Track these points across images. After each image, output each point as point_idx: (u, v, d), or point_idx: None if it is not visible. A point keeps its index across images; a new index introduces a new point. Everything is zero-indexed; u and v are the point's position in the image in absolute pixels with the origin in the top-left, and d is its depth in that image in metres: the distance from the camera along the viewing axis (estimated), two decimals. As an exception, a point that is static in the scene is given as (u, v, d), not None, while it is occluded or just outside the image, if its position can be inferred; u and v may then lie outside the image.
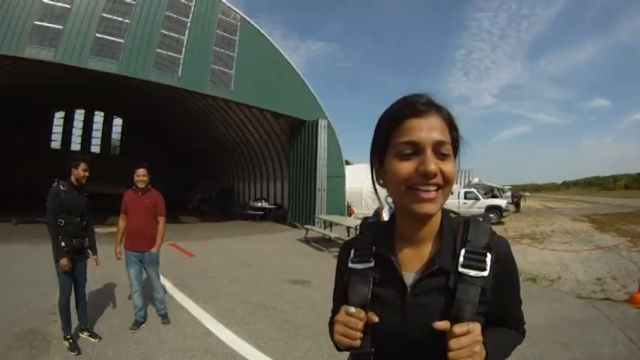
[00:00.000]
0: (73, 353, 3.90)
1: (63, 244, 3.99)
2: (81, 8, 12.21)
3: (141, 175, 4.72)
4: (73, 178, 4.18)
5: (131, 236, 4.73)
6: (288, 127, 17.35)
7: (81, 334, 4.27)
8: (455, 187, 20.83)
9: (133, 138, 30.73)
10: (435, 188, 0.85)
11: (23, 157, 25.41)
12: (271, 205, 19.53)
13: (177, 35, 13.64)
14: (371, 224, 1.07)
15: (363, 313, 0.88)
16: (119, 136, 32.03)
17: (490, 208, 18.48)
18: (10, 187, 23.41)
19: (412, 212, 0.87)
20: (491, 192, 24.54)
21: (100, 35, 12.52)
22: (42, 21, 11.81)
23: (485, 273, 0.86)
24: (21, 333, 4.35)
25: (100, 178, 16.05)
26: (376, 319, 0.87)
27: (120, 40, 12.73)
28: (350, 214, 19.25)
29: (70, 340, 4.02)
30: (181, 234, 13.42)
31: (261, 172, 21.60)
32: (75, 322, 4.23)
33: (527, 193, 39.66)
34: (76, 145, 29.77)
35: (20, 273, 7.07)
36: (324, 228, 13.76)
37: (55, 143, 29.17)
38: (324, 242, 11.99)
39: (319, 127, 15.85)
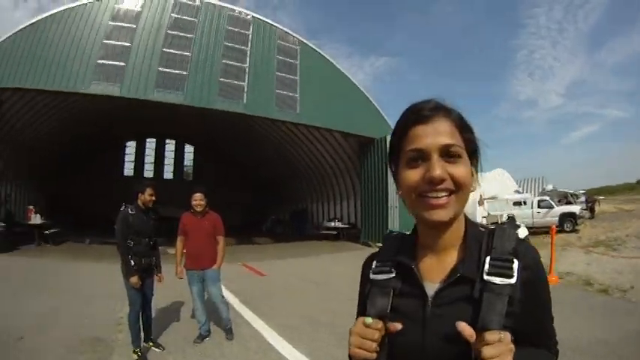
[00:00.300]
0: None
1: (132, 263, 4.24)
2: (141, 45, 12.90)
3: (198, 199, 4.88)
4: (140, 202, 4.47)
5: (192, 256, 4.88)
6: (357, 145, 17.06)
7: (145, 344, 4.47)
8: (528, 195, 19.23)
9: (204, 163, 31.53)
10: (445, 194, 0.81)
11: (98, 184, 26.54)
12: (344, 224, 19.26)
13: (239, 64, 13.89)
14: (395, 237, 1.03)
15: (380, 324, 0.84)
16: (191, 162, 33.06)
17: (564, 216, 17.44)
18: (85, 212, 24.45)
19: (424, 220, 0.85)
20: (565, 198, 23.27)
21: (162, 69, 13.00)
22: (104, 59, 12.52)
23: (513, 280, 0.79)
24: (86, 339, 4.68)
25: (165, 203, 16.76)
26: (399, 326, 0.83)
27: (183, 73, 13.14)
28: None
29: (139, 353, 4.23)
30: (254, 254, 13.57)
31: (333, 191, 21.47)
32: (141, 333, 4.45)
33: (601, 197, 37.14)
34: (148, 172, 30.88)
35: (90, 287, 7.42)
36: None
37: (129, 171, 30.48)
38: None
39: (388, 144, 15.03)
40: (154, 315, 4.73)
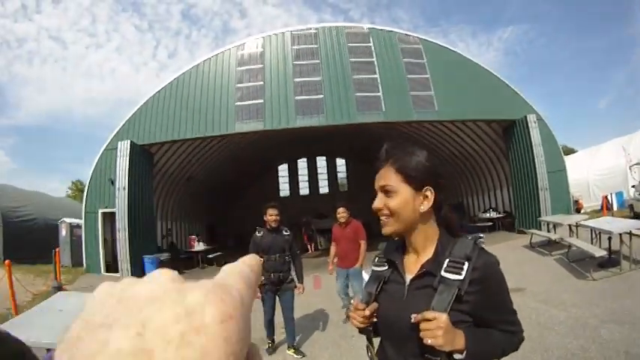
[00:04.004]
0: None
1: (262, 278, 4.61)
2: (273, 81, 13.75)
3: (340, 212, 5.93)
4: (266, 223, 5.00)
5: (340, 257, 6.07)
6: (502, 130, 16.39)
7: (287, 351, 5.09)
8: None
9: (356, 174, 31.67)
10: (384, 217, 1.21)
11: (257, 208, 27.37)
12: (499, 214, 18.26)
13: (369, 75, 13.97)
14: (393, 241, 1.35)
15: (364, 307, 1.24)
16: (345, 173, 33.73)
17: None
18: (247, 235, 25.58)
19: None
20: None
21: (299, 97, 13.53)
22: (241, 101, 13.57)
23: (461, 277, 1.09)
24: (255, 339, 4.68)
25: (326, 216, 20.27)
26: (367, 313, 1.23)
27: (319, 96, 13.56)
28: (578, 210, 16.93)
29: (270, 345, 5.25)
30: None
31: (486, 181, 20.60)
32: (283, 339, 5.34)
33: None
34: (303, 190, 31.96)
35: None
36: (548, 231, 12.52)
37: (284, 192, 31.53)
38: (548, 246, 10.90)
39: (529, 123, 14.65)
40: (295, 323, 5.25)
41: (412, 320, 1.06)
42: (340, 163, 33.20)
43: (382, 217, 1.20)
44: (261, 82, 13.59)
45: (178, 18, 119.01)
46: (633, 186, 15.61)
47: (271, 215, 4.93)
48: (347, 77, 13.63)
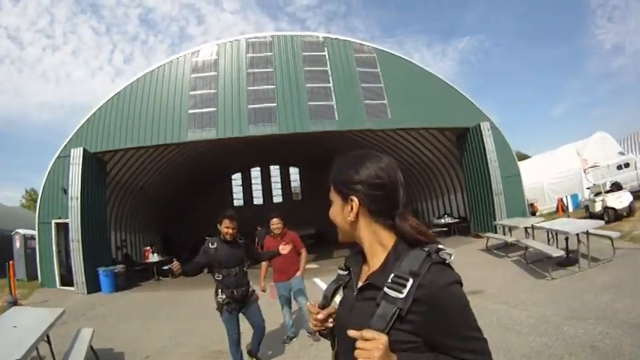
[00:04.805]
0: None
1: (224, 296, 4.37)
2: (226, 89, 13.64)
3: (275, 223, 5.57)
4: (221, 234, 4.45)
5: (277, 272, 5.67)
6: (455, 137, 16.61)
7: (248, 356, 4.78)
8: (632, 156, 17.36)
9: (310, 183, 31.69)
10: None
11: (210, 217, 27.34)
12: (454, 219, 18.61)
13: (323, 84, 14.02)
14: (358, 248, 1.23)
15: (317, 310, 1.22)
16: (298, 182, 33.86)
17: None
18: (200, 244, 25.88)
19: None
20: None
21: (252, 106, 13.43)
22: (194, 109, 13.41)
23: (402, 295, 0.97)
24: (212, 352, 5.60)
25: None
26: (320, 317, 1.20)
27: (272, 105, 13.50)
28: (534, 213, 17.44)
29: None
30: None
31: (440, 187, 20.99)
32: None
33: None
34: (257, 199, 31.99)
35: (213, 311, 7.22)
36: (504, 234, 12.90)
37: (238, 201, 31.41)
38: (505, 249, 11.19)
39: (483, 131, 14.92)
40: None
41: (350, 334, 0.98)
42: (294, 171, 33.33)
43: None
44: (215, 90, 13.49)
45: (136, 22, 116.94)
46: (588, 188, 16.09)
47: (227, 227, 4.38)
48: (300, 86, 13.63)
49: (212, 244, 4.39)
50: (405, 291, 0.97)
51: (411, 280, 0.98)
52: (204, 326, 6.77)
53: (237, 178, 31.96)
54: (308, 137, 15.50)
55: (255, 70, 13.81)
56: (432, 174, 20.70)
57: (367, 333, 0.94)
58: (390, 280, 1.00)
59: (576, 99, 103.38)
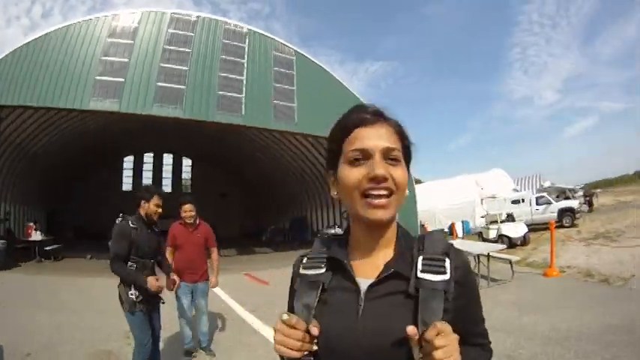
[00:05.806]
0: None
1: (137, 293, 3.34)
2: (139, 61, 13.08)
3: (188, 210, 4.55)
4: (142, 213, 3.55)
5: (184, 269, 4.48)
6: None
7: None
8: (526, 193, 19.39)
9: (203, 176, 31.87)
10: (386, 193, 0.85)
11: (97, 199, 26.88)
12: (344, 230, 18.78)
13: (236, 76, 14.04)
14: (327, 237, 1.04)
15: (301, 323, 0.82)
16: (189, 174, 33.69)
17: (563, 211, 17.55)
18: (85, 227, 25.19)
19: (365, 219, 0.87)
20: (563, 194, 23.05)
21: (161, 84, 13.13)
22: (103, 75, 12.66)
23: (447, 276, 0.83)
24: (99, 352, 4.78)
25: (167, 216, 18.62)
26: (316, 332, 0.82)
27: (181, 87, 13.27)
28: None
29: None
30: (255, 264, 13.70)
31: (333, 198, 21.30)
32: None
33: (598, 190, 37.23)
34: None
35: (99, 302, 7.26)
36: None
37: (127, 185, 30.63)
38: None
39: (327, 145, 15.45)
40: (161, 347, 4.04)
41: (408, 332, 0.73)
42: (187, 163, 33.16)
43: (381, 193, 0.84)
44: (127, 59, 12.94)
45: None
46: (482, 216, 17.74)
47: (158, 206, 3.59)
48: (214, 73, 13.55)
49: (132, 224, 3.43)
50: (448, 271, 0.85)
51: (447, 260, 0.86)
52: (88, 319, 6.17)
53: (128, 161, 31.10)
54: (211, 129, 15.48)
55: (172, 47, 13.50)
56: (325, 184, 21.10)
57: (442, 325, 0.73)
58: (421, 265, 0.86)
59: (477, 136, 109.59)
